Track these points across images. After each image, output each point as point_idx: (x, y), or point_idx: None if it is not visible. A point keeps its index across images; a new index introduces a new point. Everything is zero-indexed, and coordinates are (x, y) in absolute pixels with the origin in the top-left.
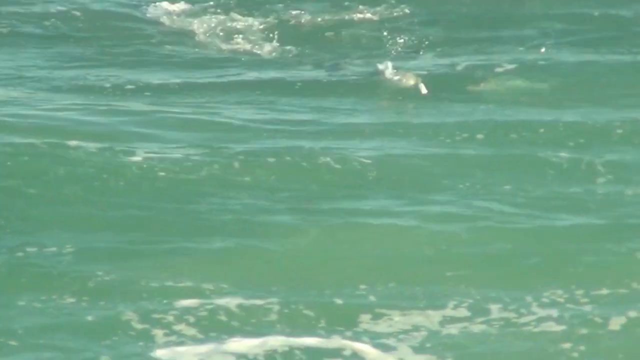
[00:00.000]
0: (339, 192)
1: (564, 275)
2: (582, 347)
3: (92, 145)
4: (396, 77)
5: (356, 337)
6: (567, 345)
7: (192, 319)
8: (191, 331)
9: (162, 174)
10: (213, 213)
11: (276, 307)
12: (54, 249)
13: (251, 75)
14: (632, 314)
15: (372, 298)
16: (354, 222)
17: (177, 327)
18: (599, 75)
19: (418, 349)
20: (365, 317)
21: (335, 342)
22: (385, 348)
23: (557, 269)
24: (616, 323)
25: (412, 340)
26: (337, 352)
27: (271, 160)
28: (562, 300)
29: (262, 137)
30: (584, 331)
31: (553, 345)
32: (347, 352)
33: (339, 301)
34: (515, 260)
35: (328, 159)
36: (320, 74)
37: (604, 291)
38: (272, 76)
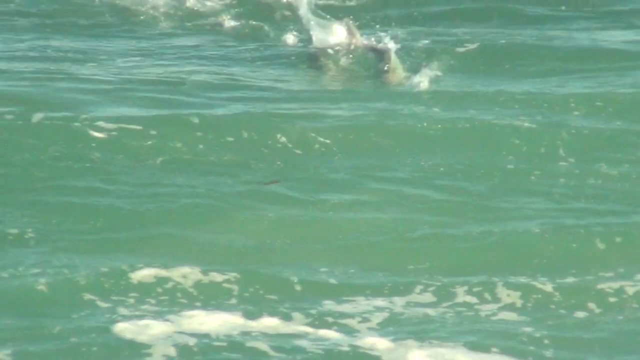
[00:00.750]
0: (300, 173)
1: (529, 262)
2: (544, 332)
3: (54, 123)
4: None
5: (318, 318)
6: (528, 329)
7: (153, 300)
8: (152, 309)
9: (123, 155)
10: (175, 195)
11: (236, 288)
12: (15, 231)
13: (213, 49)
14: (595, 301)
15: (333, 281)
16: (314, 204)
17: (139, 305)
18: (559, 52)
19: (381, 332)
20: (327, 300)
21: (297, 323)
22: (348, 330)
23: (522, 255)
24: (580, 310)
25: (375, 322)
26: (298, 332)
27: (231, 139)
28: (526, 287)
29: (224, 111)
30: (547, 316)
31: (515, 328)
32: (309, 333)
33: (299, 284)
34: (480, 246)
35: (288, 137)
36: (282, 50)
37: (569, 279)
38: (233, 50)
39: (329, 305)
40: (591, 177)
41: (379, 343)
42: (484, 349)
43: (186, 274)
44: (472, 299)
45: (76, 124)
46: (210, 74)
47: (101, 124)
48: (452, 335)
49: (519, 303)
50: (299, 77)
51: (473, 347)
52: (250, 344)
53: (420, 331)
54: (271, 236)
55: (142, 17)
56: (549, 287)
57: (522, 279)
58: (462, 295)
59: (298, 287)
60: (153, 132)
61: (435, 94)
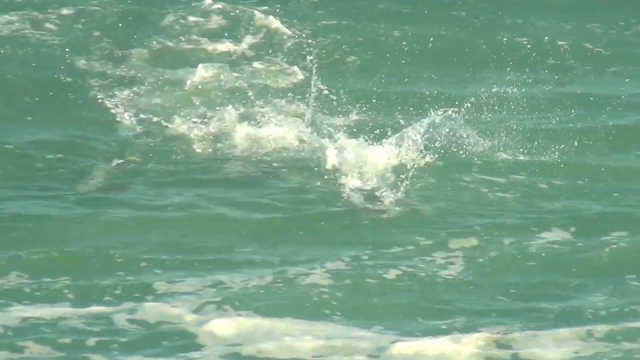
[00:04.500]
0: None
1: (358, 239)
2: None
3: None
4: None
5: (144, 299)
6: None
7: None
8: None
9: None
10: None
11: (67, 283)
12: None
13: None
14: (410, 272)
15: (160, 272)
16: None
17: None
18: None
19: (220, 303)
20: (159, 284)
21: (129, 305)
22: (186, 304)
23: (357, 234)
24: (396, 278)
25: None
26: (130, 311)
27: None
28: (351, 261)
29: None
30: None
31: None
32: (139, 312)
33: (132, 277)
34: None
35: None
36: None
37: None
38: None
39: (163, 287)
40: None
41: (187, 315)
42: (307, 319)
43: (14, 278)
44: (325, 281)
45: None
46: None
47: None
48: (274, 308)
49: (374, 286)
50: None
51: (295, 317)
52: (75, 326)
53: (234, 303)
54: (105, 239)
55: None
56: (373, 264)
57: (353, 257)
58: (313, 277)
59: (132, 280)
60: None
61: None
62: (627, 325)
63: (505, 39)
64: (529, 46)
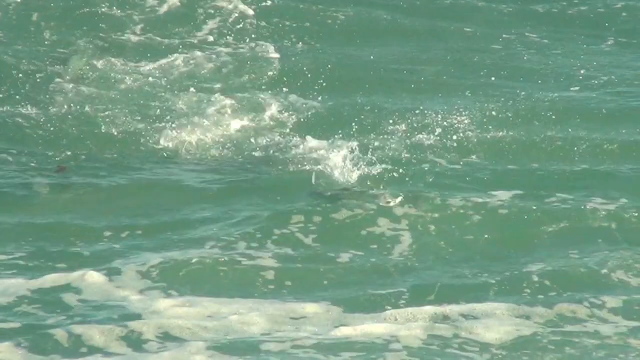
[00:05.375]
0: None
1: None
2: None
3: None
4: None
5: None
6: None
7: None
8: None
9: None
10: None
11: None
12: None
13: None
14: (359, 252)
15: (117, 246)
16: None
17: None
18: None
19: (168, 283)
20: (106, 263)
21: (76, 284)
22: (133, 284)
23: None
24: (344, 257)
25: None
26: (77, 290)
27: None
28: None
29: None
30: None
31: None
32: (85, 291)
33: (81, 254)
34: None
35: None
36: None
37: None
38: None
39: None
40: None
41: (133, 295)
42: (254, 299)
43: None
44: (273, 261)
45: None
46: None
47: None
48: (222, 287)
49: (322, 265)
50: None
51: (242, 297)
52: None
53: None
54: (53, 217)
55: None
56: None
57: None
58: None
59: (86, 253)
60: None
61: None
62: (564, 305)
63: (447, 23)
64: (470, 29)
